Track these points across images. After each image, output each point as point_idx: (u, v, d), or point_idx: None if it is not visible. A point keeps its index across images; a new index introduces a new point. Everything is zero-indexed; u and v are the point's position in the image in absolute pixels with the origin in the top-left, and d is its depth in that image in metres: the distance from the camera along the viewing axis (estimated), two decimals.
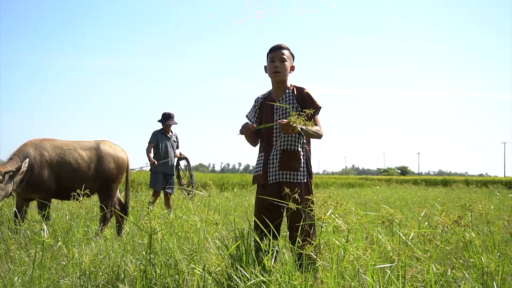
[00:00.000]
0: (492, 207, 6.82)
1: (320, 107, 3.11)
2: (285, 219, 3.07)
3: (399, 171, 76.98)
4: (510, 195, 11.93)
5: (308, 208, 2.64)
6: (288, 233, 3.06)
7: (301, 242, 2.74)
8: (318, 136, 3.08)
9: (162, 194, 6.92)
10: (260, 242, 2.63)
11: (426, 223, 4.17)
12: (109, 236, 3.39)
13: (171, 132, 7.03)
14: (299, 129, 2.83)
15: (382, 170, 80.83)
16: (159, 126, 6.97)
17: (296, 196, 2.78)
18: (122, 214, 3.78)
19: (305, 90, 3.14)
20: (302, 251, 2.46)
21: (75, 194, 3.97)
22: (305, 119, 2.75)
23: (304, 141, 3.10)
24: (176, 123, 6.94)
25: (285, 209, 2.94)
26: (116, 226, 4.84)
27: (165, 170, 6.76)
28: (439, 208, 5.49)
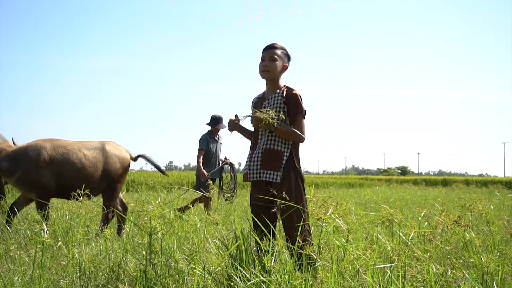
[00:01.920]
0: (492, 207, 6.82)
1: (304, 111, 3.11)
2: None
3: (399, 171, 77.00)
4: (510, 195, 11.93)
5: (293, 209, 2.75)
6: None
7: (290, 241, 2.82)
8: (296, 137, 3.06)
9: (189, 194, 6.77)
10: (259, 242, 2.64)
11: (426, 223, 4.17)
12: (109, 236, 3.38)
13: (218, 135, 6.87)
14: (271, 125, 2.92)
15: (382, 170, 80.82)
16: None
17: (284, 195, 2.85)
18: (123, 215, 3.77)
19: (293, 91, 3.13)
20: (293, 250, 2.51)
21: (80, 193, 3.98)
22: (277, 116, 2.92)
23: (290, 143, 3.10)
24: (225, 127, 6.74)
25: (276, 209, 2.98)
26: (117, 226, 4.84)
27: (214, 175, 6.61)
28: (439, 208, 5.49)
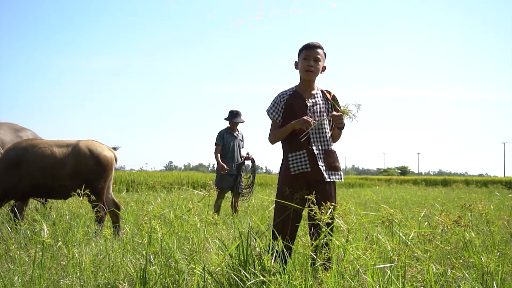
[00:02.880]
0: (492, 207, 6.82)
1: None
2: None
3: (399, 171, 76.96)
4: (510, 195, 11.93)
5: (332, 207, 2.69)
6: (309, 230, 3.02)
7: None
8: (338, 139, 3.21)
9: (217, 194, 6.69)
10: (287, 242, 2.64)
11: (426, 223, 4.17)
12: (109, 236, 3.38)
13: (238, 131, 6.75)
14: (343, 123, 3.02)
15: (382, 170, 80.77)
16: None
17: (332, 193, 2.97)
18: (117, 213, 3.80)
19: (332, 93, 3.21)
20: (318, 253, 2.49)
21: (56, 191, 4.22)
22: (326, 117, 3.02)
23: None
24: (244, 121, 6.66)
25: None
26: (114, 227, 4.84)
27: (231, 171, 6.53)
28: (439, 208, 5.49)
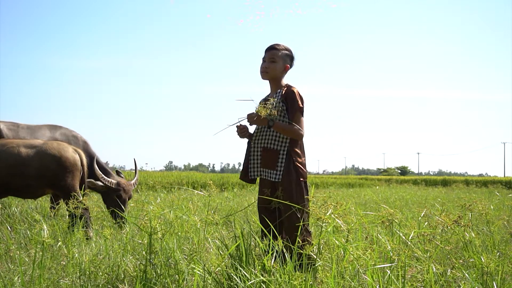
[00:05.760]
0: (492, 207, 6.82)
1: (301, 107, 3.10)
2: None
3: (399, 171, 76.96)
4: (510, 195, 11.93)
5: (292, 209, 2.77)
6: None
7: (289, 241, 2.82)
8: (293, 133, 3.05)
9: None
10: (259, 242, 2.64)
11: (426, 223, 4.17)
12: (109, 236, 3.39)
13: None
14: (268, 120, 2.96)
15: (382, 170, 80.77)
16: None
17: (281, 194, 2.92)
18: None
19: (292, 88, 3.13)
20: (293, 250, 2.52)
21: (24, 191, 4.36)
22: (273, 111, 2.92)
23: (287, 141, 3.10)
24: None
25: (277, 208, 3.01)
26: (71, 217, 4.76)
27: None
28: (439, 208, 5.49)
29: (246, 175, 3.19)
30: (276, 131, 3.07)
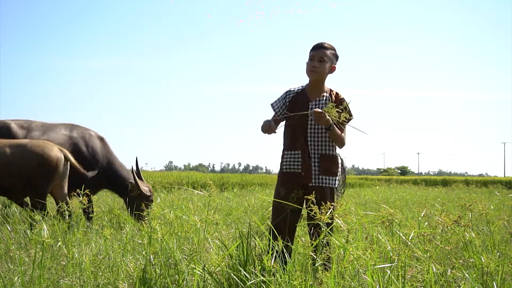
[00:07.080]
0: (492, 207, 6.81)
1: (353, 118, 3.10)
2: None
3: (399, 171, 76.91)
4: (510, 195, 11.93)
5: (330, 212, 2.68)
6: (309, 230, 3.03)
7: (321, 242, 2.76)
8: (341, 142, 3.07)
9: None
10: (271, 242, 2.64)
11: (426, 223, 4.16)
12: (109, 236, 3.38)
13: None
14: (331, 123, 2.89)
15: (382, 170, 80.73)
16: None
17: (328, 196, 2.94)
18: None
19: (341, 96, 3.14)
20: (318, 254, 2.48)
21: (10, 191, 4.52)
22: (343, 115, 2.84)
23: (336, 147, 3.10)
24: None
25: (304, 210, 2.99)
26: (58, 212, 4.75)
27: None
28: (439, 208, 5.49)
29: (309, 180, 3.04)
30: (328, 136, 3.05)
